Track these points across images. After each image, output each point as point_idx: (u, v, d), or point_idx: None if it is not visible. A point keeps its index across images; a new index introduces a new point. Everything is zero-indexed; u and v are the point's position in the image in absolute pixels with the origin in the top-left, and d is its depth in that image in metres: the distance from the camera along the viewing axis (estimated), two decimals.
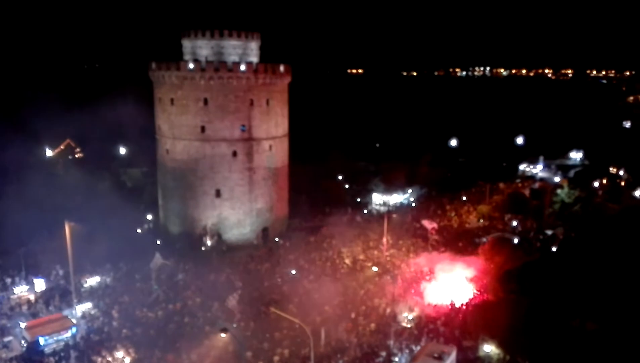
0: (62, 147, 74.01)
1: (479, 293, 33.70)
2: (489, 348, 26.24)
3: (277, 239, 45.27)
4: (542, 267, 36.87)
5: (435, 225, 45.71)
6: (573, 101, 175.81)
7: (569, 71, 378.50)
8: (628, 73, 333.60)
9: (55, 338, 27.61)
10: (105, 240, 35.11)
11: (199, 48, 44.69)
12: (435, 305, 32.24)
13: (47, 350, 27.13)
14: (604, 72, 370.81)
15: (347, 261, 39.76)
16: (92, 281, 35.13)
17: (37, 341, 27.21)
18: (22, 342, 28.04)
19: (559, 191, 55.76)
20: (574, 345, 26.82)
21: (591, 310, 30.75)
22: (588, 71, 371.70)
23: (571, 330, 28.74)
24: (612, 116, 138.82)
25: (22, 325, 29.10)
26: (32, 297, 32.80)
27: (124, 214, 45.68)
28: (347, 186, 64.91)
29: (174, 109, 43.71)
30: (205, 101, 42.72)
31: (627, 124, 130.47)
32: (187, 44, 45.45)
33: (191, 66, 42.02)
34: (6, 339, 28.16)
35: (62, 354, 26.75)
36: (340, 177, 67.57)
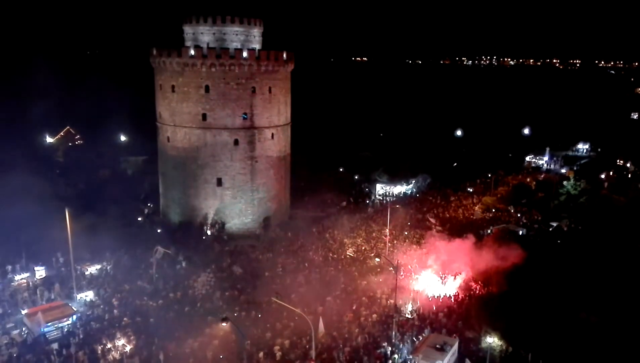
0: (62, 134, 73.86)
1: (482, 284, 33.34)
2: (492, 340, 25.91)
3: (278, 229, 44.95)
4: (547, 259, 36.46)
5: (433, 220, 45.39)
6: (580, 92, 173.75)
7: (577, 61, 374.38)
8: (637, 64, 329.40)
9: (56, 326, 27.51)
10: (106, 228, 34.89)
11: (201, 34, 43.98)
12: (438, 297, 31.94)
13: (47, 337, 27.02)
14: (612, 63, 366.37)
15: (350, 251, 39.43)
16: (92, 269, 34.97)
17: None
18: (23, 329, 27.99)
19: (565, 182, 55.07)
20: (576, 338, 26.51)
21: (595, 302, 30.40)
22: (596, 62, 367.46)
23: (574, 322, 28.43)
24: (620, 107, 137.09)
25: (23, 312, 29.04)
26: (32, 285, 32.70)
27: (124, 202, 45.59)
28: (350, 176, 64.38)
29: (175, 96, 43.17)
30: (207, 88, 42.15)
31: (635, 116, 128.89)
32: (188, 30, 44.73)
33: (192, 52, 41.37)
34: (8, 325, 28.13)
35: (62, 341, 26.64)
36: (342, 167, 67.08)
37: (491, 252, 35.11)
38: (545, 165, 75.50)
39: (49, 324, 27.23)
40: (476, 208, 51.80)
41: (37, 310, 28.52)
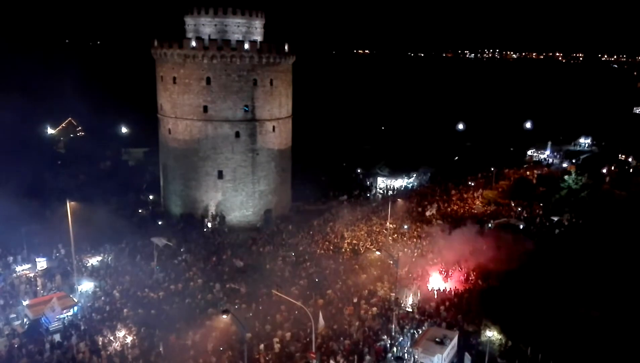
0: (63, 125, 73.90)
1: (482, 278, 33.35)
2: (491, 334, 25.97)
3: (279, 221, 44.97)
4: (547, 254, 36.45)
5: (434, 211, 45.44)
6: (583, 86, 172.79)
7: (580, 55, 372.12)
8: None
9: (57, 317, 27.59)
10: (107, 220, 34.88)
11: (202, 26, 43.71)
12: (438, 290, 31.98)
13: (49, 328, 27.09)
14: (615, 57, 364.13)
15: (350, 244, 39.44)
16: (93, 260, 35.05)
17: (39, 319, 27.21)
18: (24, 319, 28.10)
19: (566, 177, 54.89)
20: (576, 333, 26.55)
21: (596, 297, 30.42)
22: (599, 55, 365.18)
23: (574, 317, 28.46)
24: (623, 101, 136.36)
25: (24, 303, 29.12)
26: (33, 276, 32.79)
27: (125, 194, 45.61)
28: (351, 169, 64.30)
29: (176, 88, 43.01)
30: (208, 80, 41.97)
31: (638, 110, 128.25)
32: (190, 22, 44.46)
33: (194, 43, 41.15)
34: (11, 316, 28.24)
35: (64, 332, 26.74)
36: (343, 160, 66.96)
37: (493, 249, 35.05)
38: (546, 159, 75.30)
39: (49, 315, 27.29)
40: (477, 201, 51.74)
41: (39, 301, 28.63)
